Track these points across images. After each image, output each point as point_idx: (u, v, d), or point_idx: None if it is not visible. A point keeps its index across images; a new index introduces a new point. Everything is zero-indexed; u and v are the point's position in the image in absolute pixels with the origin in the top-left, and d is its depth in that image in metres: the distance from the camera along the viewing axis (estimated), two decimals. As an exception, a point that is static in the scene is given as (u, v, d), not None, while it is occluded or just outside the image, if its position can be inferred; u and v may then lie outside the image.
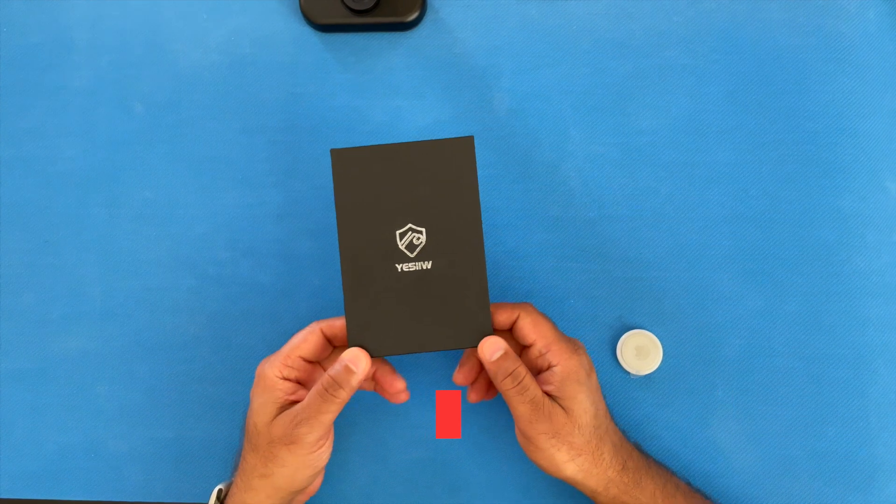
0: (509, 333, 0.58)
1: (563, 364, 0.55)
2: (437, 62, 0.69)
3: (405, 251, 0.55)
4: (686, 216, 0.66)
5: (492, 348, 0.55)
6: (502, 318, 0.57)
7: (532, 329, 0.56)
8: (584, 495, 0.58)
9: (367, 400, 0.65)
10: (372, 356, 0.55)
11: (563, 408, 0.55)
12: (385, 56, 0.69)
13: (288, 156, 0.68)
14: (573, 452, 0.55)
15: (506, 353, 0.55)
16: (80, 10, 0.71)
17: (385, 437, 0.65)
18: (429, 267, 0.55)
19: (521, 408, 0.55)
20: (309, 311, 0.67)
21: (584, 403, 0.55)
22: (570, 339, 0.57)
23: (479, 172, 0.67)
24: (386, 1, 0.68)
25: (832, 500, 0.63)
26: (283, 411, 0.55)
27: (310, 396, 0.55)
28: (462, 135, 0.57)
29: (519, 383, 0.54)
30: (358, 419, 0.66)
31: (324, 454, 0.56)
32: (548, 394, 0.56)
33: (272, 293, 0.67)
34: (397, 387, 0.58)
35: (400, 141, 0.56)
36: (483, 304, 0.55)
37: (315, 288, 0.67)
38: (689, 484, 0.61)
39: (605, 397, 0.58)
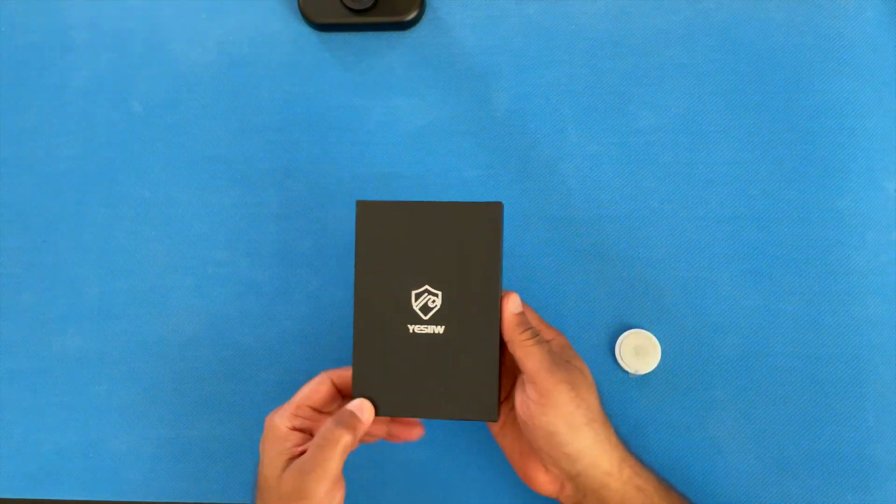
0: None
1: (556, 339, 0.56)
2: (436, 62, 0.69)
3: (419, 312, 0.54)
4: (684, 215, 0.66)
5: (516, 301, 0.54)
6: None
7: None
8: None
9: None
10: (375, 414, 0.54)
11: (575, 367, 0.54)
12: (384, 55, 0.69)
13: (286, 155, 0.68)
14: (590, 415, 0.53)
15: (525, 311, 0.54)
16: (79, 10, 0.71)
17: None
18: (441, 332, 0.53)
19: (537, 357, 0.52)
20: (307, 312, 0.67)
21: (586, 368, 0.55)
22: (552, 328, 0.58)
23: (479, 172, 0.67)
24: (384, 0, 0.68)
25: (830, 499, 0.63)
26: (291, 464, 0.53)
27: (312, 446, 0.52)
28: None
29: (536, 335, 0.53)
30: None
31: None
32: None
33: (270, 293, 0.67)
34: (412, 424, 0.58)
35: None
36: (492, 377, 0.53)
37: (313, 288, 0.67)
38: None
39: (602, 397, 0.58)
